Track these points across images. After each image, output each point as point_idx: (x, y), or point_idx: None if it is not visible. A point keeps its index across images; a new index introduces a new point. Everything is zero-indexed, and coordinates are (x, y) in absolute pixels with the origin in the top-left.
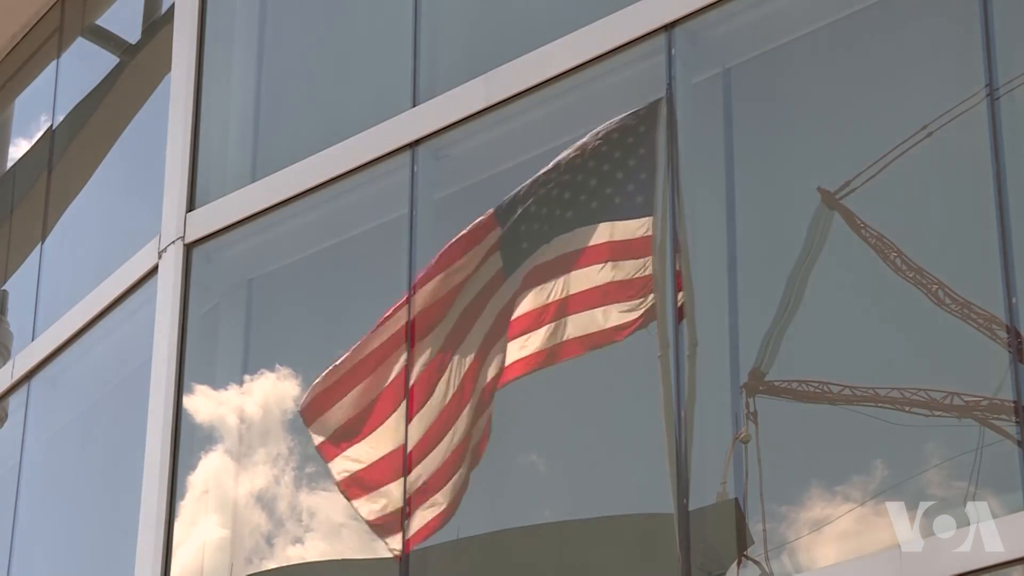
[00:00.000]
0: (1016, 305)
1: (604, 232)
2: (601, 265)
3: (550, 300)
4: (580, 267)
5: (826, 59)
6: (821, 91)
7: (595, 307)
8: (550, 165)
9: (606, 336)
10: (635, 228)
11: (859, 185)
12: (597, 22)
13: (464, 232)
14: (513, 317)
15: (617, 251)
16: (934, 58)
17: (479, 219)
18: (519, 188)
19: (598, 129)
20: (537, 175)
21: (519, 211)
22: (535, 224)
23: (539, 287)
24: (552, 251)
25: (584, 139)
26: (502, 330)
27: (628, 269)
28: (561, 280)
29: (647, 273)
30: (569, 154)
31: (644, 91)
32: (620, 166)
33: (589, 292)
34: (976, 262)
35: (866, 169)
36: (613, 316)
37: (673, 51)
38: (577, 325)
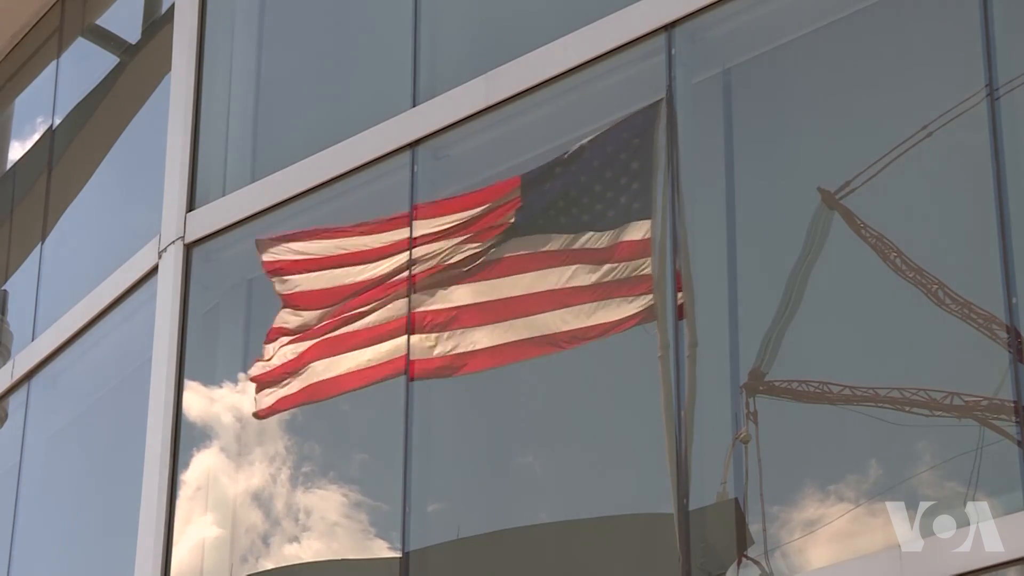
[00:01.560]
0: (1016, 305)
1: (608, 236)
2: (601, 266)
3: (550, 288)
4: (578, 263)
5: (826, 59)
6: (821, 91)
7: (594, 301)
8: (572, 151)
9: (605, 328)
10: (637, 230)
11: (859, 185)
12: (597, 22)
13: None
14: (509, 296)
15: (619, 253)
16: (934, 58)
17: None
18: (548, 165)
19: (603, 129)
20: (563, 157)
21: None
22: (551, 210)
23: (542, 272)
24: (555, 244)
25: (591, 137)
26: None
27: (628, 269)
28: (560, 272)
29: (646, 272)
30: (582, 147)
31: (644, 91)
32: (624, 170)
33: (588, 289)
34: (976, 262)
35: (866, 169)
36: (612, 311)
37: (673, 51)
38: (572, 318)
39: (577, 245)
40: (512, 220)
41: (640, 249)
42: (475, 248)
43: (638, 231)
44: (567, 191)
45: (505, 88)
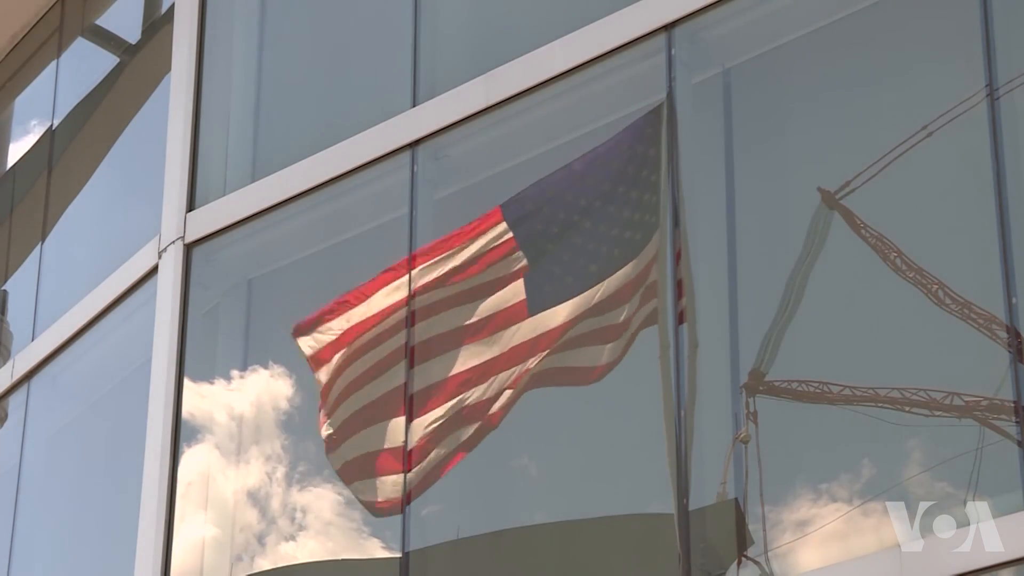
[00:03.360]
0: (1016, 305)
1: (621, 276)
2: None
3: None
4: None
5: (826, 59)
6: (821, 91)
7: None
8: (569, 183)
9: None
10: (648, 253)
11: (859, 185)
12: (597, 22)
13: (469, 227)
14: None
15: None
16: (934, 58)
17: (487, 219)
18: (535, 199)
19: (600, 140)
20: (555, 190)
21: (541, 239)
22: (559, 271)
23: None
24: (571, 310)
25: (599, 170)
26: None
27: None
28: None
29: (652, 281)
30: (587, 182)
31: (644, 91)
32: (634, 183)
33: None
34: (976, 262)
35: (866, 169)
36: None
37: (673, 51)
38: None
39: (595, 301)
40: (522, 298)
41: (651, 264)
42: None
43: (649, 253)
44: (572, 225)
45: (505, 88)
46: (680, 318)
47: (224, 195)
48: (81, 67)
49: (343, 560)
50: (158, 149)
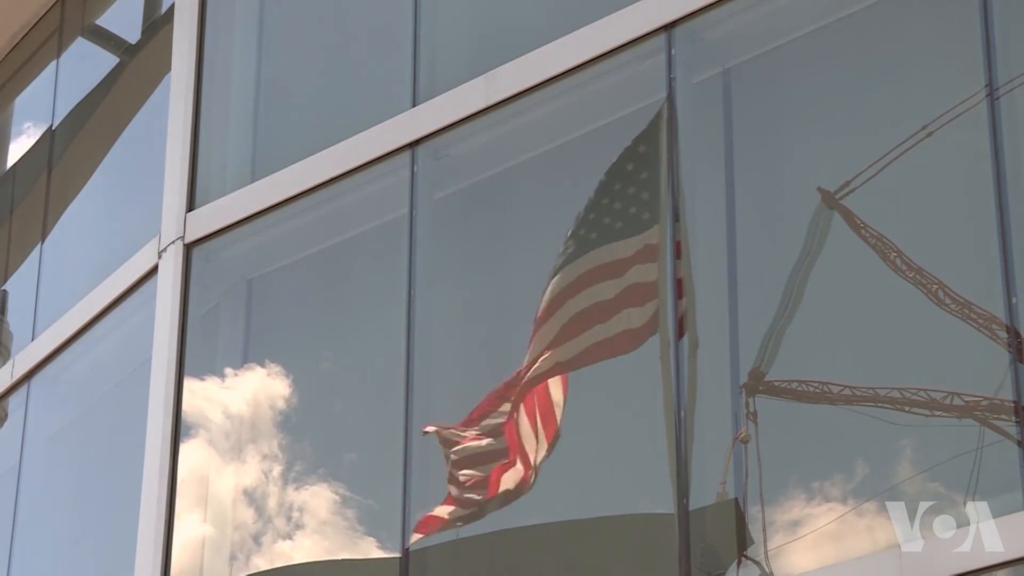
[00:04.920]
0: (1016, 305)
1: (619, 249)
2: (614, 280)
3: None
4: (595, 284)
5: (826, 59)
6: (821, 91)
7: (607, 319)
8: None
9: (618, 344)
10: (646, 239)
11: (859, 185)
12: (597, 22)
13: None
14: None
15: (630, 264)
16: (934, 58)
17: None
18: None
19: (605, 128)
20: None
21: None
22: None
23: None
24: (575, 271)
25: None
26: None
27: (636, 277)
28: (578, 297)
29: (651, 279)
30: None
31: (644, 91)
32: (631, 180)
33: (601, 305)
34: (976, 262)
35: (866, 169)
36: (623, 323)
37: (673, 51)
38: (592, 336)
39: (586, 268)
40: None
41: (648, 256)
42: None
43: (647, 239)
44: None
45: (505, 88)
46: (680, 318)
47: (224, 195)
48: (81, 67)
49: (344, 560)
50: (158, 149)
